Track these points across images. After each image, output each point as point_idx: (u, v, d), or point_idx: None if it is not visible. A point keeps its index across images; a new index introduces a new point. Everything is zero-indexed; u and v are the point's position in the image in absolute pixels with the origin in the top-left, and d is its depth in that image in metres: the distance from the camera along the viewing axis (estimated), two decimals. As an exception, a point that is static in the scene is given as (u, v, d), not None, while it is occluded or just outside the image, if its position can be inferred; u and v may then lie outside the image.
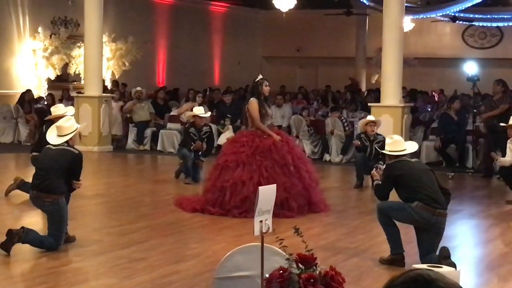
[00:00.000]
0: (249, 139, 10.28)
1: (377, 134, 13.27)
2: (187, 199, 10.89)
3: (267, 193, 4.14)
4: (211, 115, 16.68)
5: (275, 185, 4.43)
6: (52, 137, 8.41)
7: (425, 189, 7.67)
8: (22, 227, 8.07)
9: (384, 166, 8.19)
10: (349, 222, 10.24)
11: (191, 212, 10.35)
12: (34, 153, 10.76)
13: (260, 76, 10.64)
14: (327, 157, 17.29)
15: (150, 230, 9.41)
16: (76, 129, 8.48)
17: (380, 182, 8.10)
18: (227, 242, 8.56)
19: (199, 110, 13.54)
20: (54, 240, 8.15)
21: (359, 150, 13.50)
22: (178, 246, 8.60)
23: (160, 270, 7.50)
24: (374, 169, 8.40)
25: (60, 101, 18.97)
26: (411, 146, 8.21)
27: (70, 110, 10.26)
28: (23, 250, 8.03)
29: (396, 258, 7.83)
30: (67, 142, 8.32)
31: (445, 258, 7.39)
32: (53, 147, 8.35)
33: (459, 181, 15.13)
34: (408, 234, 8.06)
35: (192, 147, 13.25)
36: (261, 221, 4.18)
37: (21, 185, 11.26)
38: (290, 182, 10.16)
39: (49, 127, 10.26)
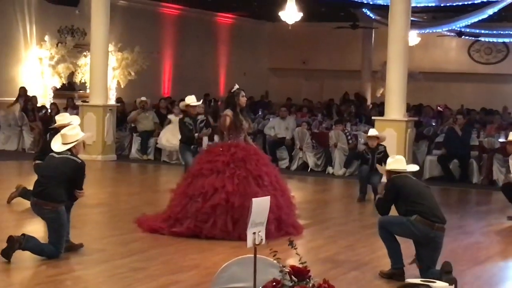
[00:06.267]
0: (225, 149, 9.93)
1: (379, 144, 13.28)
2: (148, 218, 10.35)
3: (261, 205, 4.15)
4: (215, 125, 16.69)
5: (269, 197, 4.43)
6: (57, 145, 8.47)
7: (424, 203, 7.72)
8: (23, 234, 8.10)
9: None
10: (350, 236, 10.22)
11: (150, 232, 9.78)
12: (37, 161, 10.80)
13: (237, 86, 10.22)
14: (330, 169, 17.29)
15: (150, 240, 9.42)
16: (81, 138, 8.51)
17: (381, 196, 8.13)
18: (227, 253, 8.55)
19: (190, 99, 13.24)
20: (55, 248, 8.17)
21: (360, 157, 13.52)
22: (178, 256, 8.62)
23: (159, 280, 7.52)
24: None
25: (65, 109, 19.00)
26: (412, 167, 8.35)
27: (76, 119, 10.26)
28: (23, 257, 8.05)
29: (396, 272, 7.84)
30: (70, 150, 8.35)
31: (447, 273, 7.39)
32: (57, 155, 8.39)
33: (462, 196, 15.13)
34: (409, 248, 8.05)
35: (196, 137, 13.09)
36: (254, 233, 4.19)
37: (23, 193, 11.29)
38: (262, 194, 9.40)
39: (53, 135, 10.30)
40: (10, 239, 7.95)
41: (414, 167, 8.42)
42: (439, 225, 7.69)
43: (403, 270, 7.87)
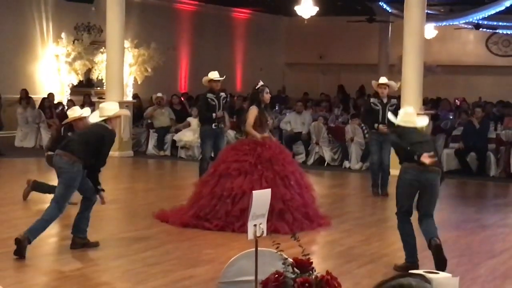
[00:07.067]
0: (252, 148, 9.94)
1: (391, 97, 13.15)
2: (172, 212, 10.43)
3: (261, 198, 4.15)
4: (231, 121, 16.69)
5: (270, 189, 4.42)
6: (95, 117, 8.71)
7: (419, 149, 7.82)
8: (26, 231, 8.13)
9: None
10: (366, 229, 10.20)
11: (182, 227, 9.87)
12: (50, 153, 10.87)
13: (261, 83, 10.30)
14: (346, 164, 17.25)
15: (166, 235, 9.46)
16: (117, 112, 8.64)
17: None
18: (242, 248, 8.48)
19: (213, 75, 13.13)
20: (57, 208, 8.27)
21: (370, 111, 13.23)
22: (193, 251, 8.64)
23: (174, 274, 7.53)
24: None
25: (82, 106, 19.04)
26: (421, 121, 8.33)
27: (86, 111, 10.28)
28: (37, 254, 8.10)
29: (410, 266, 7.81)
30: (105, 122, 8.50)
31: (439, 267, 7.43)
32: (93, 123, 8.69)
33: (479, 189, 15.06)
34: (421, 242, 8.02)
35: (214, 117, 12.99)
36: (255, 225, 4.19)
37: (35, 186, 11.43)
38: (289, 195, 9.79)
39: (67, 130, 10.39)
40: (17, 240, 8.00)
41: (423, 121, 8.42)
42: (428, 167, 7.74)
43: (417, 264, 7.86)
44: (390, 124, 9.81)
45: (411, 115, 8.16)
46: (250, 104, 10.43)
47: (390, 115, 8.84)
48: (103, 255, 8.39)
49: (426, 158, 7.73)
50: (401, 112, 8.41)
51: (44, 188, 11.51)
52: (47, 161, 10.90)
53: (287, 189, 9.83)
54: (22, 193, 11.66)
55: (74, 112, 10.16)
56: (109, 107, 8.68)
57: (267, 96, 10.25)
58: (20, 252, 7.98)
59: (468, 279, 7.48)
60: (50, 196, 11.28)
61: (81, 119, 9.81)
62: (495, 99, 24.44)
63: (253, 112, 10.13)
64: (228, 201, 9.73)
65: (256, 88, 10.29)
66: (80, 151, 8.33)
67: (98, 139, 8.41)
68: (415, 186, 7.82)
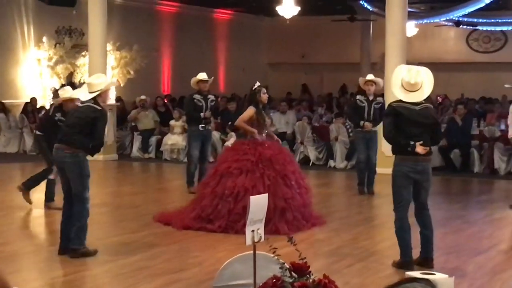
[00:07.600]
0: (251, 147, 9.97)
1: (377, 95, 13.15)
2: (174, 215, 10.41)
3: (259, 203, 4.15)
4: (215, 122, 16.69)
5: (266, 194, 4.43)
6: (83, 94, 8.53)
7: (410, 143, 7.71)
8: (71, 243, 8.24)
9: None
10: (353, 228, 10.22)
11: (183, 230, 9.84)
12: (38, 132, 10.94)
13: (258, 84, 10.35)
14: (331, 163, 17.31)
15: (153, 239, 9.43)
16: (105, 85, 8.48)
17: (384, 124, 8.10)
18: (230, 250, 8.55)
19: (201, 75, 13.16)
20: (81, 205, 8.32)
21: (355, 108, 13.22)
22: (181, 254, 8.63)
23: (163, 278, 7.52)
24: None
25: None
26: (427, 85, 7.78)
27: (78, 93, 10.22)
28: (25, 260, 8.06)
29: (405, 264, 7.82)
30: (94, 99, 8.36)
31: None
32: (81, 105, 8.51)
33: (464, 186, 15.15)
34: (414, 238, 8.05)
35: (203, 116, 13.00)
36: (253, 231, 4.19)
37: (27, 186, 11.39)
38: (290, 194, 9.83)
39: (56, 111, 10.36)
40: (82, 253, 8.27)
41: (429, 83, 7.79)
42: (422, 156, 7.74)
43: (412, 261, 7.86)
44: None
45: (415, 85, 7.70)
46: (248, 104, 10.44)
47: (394, 89, 7.87)
48: (91, 260, 8.33)
49: (420, 149, 7.71)
50: (402, 79, 7.74)
51: (32, 182, 11.46)
52: (34, 139, 10.89)
53: (288, 188, 9.86)
54: (6, 199, 11.64)
55: (65, 93, 10.12)
56: (97, 81, 8.43)
57: (264, 97, 10.30)
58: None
59: (456, 277, 7.46)
60: (41, 193, 11.28)
61: (72, 100, 9.75)
62: (477, 96, 24.60)
63: (249, 111, 10.18)
64: (230, 199, 9.74)
65: (253, 89, 10.33)
66: (78, 140, 8.27)
67: (91, 123, 8.30)
68: (411, 177, 7.80)
